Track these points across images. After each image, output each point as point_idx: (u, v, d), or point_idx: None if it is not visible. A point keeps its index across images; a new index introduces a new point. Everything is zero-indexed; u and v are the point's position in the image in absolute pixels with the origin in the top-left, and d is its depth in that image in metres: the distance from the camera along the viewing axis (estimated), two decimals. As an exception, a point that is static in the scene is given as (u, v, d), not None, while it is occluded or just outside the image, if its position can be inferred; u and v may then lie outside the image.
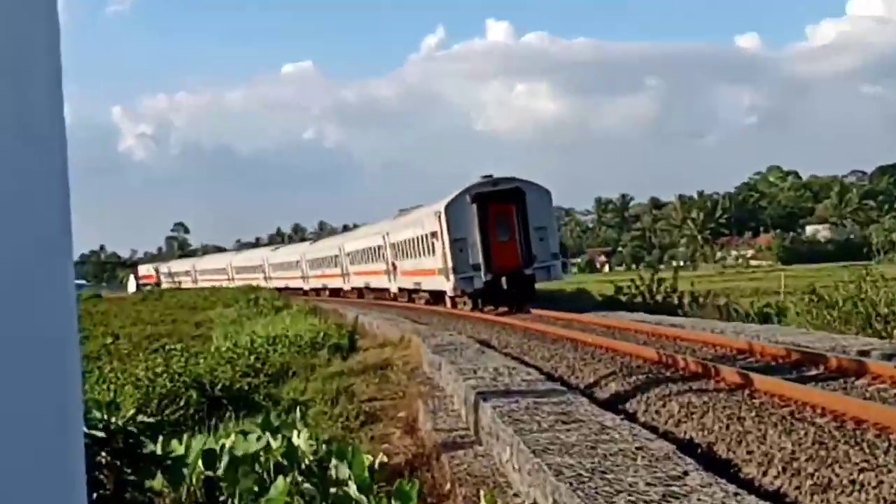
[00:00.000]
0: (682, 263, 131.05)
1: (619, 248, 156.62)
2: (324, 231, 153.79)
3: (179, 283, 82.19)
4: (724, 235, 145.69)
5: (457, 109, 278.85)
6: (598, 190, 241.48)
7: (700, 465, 5.66)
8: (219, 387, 13.23)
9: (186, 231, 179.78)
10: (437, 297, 30.00)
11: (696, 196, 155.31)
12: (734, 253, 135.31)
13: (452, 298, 28.20)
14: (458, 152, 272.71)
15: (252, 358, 17.04)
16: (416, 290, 32.90)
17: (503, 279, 25.80)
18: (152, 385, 12.84)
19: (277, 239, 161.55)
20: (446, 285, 27.56)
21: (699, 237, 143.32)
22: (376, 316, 25.77)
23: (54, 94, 0.59)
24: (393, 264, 35.38)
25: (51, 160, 0.57)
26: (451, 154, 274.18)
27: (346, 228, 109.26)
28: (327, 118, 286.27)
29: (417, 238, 31.03)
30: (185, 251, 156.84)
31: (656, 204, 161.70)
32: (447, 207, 27.23)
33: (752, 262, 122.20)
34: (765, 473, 6.91)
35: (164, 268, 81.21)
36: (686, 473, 5.38)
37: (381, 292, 38.25)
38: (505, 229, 26.68)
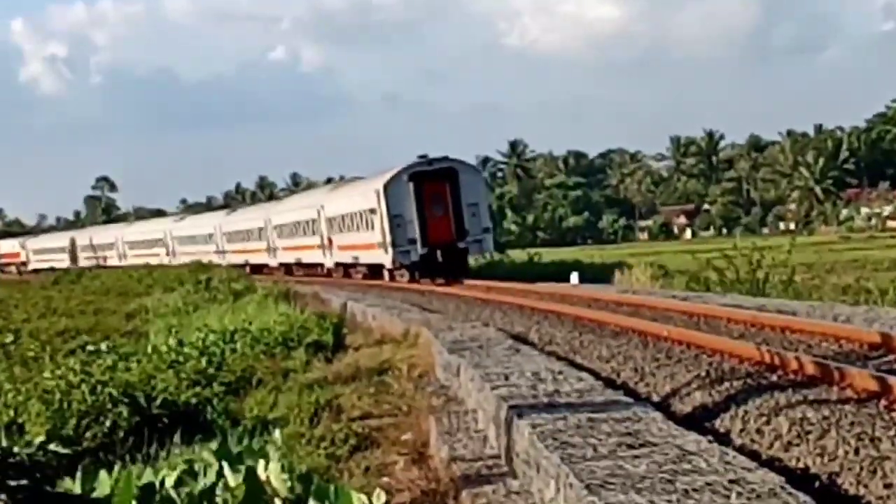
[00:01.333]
0: (793, 226, 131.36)
1: (706, 206, 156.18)
2: (298, 187, 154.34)
3: (105, 258, 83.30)
4: (851, 186, 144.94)
5: (481, 19, 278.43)
6: (675, 127, 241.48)
7: (819, 503, 5.65)
8: (158, 401, 13.30)
9: (113, 188, 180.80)
10: (374, 270, 40.76)
11: (811, 133, 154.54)
12: (865, 211, 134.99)
13: (391, 271, 38.77)
14: (482, 78, 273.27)
15: (203, 361, 17.13)
16: (353, 265, 43.64)
17: (438, 252, 36.51)
18: (67, 399, 12.93)
19: (238, 198, 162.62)
20: (385, 258, 38.27)
21: (816, 189, 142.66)
22: (372, 302, 25.87)
23: None
24: (329, 239, 45.62)
25: None
26: (473, 80, 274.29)
27: (329, 181, 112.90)
28: (304, 33, 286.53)
29: (356, 213, 41.36)
30: (111, 216, 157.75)
31: (756, 145, 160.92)
32: (385, 186, 37.86)
33: (891, 224, 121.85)
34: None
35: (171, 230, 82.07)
36: (798, 516, 5.37)
37: (313, 268, 49.14)
38: (439, 206, 37.37)
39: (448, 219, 37.24)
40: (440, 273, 35.74)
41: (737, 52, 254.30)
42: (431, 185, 37.36)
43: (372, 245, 39.32)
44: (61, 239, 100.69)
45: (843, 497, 7.43)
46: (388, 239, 37.35)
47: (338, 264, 45.67)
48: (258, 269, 57.27)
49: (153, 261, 69.76)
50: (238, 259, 61.20)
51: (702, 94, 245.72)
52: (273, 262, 56.31)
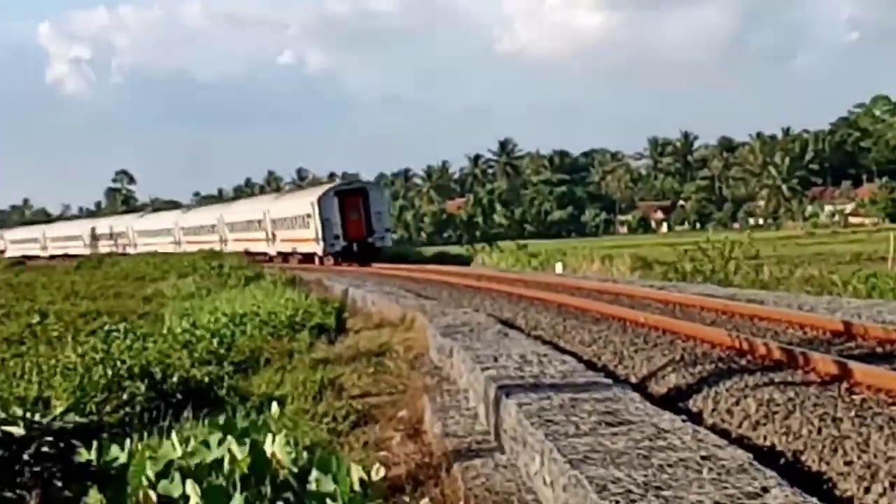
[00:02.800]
0: (761, 221, 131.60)
1: (681, 203, 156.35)
2: (304, 181, 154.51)
3: (123, 246, 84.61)
4: (815, 185, 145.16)
5: (475, 26, 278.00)
6: (654, 128, 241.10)
7: (784, 479, 5.66)
8: (172, 378, 13.27)
9: (132, 181, 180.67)
10: (308, 257, 52.08)
11: (779, 135, 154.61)
12: (828, 208, 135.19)
13: (321, 258, 50.32)
14: (475, 81, 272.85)
15: (214, 342, 17.10)
16: (292, 253, 54.79)
17: (354, 245, 48.67)
18: (89, 376, 12.89)
19: (246, 191, 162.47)
20: (318, 248, 50.47)
21: (783, 188, 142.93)
22: (371, 289, 25.90)
23: None
24: (273, 234, 58.21)
25: None
26: (467, 84, 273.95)
27: (331, 177, 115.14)
28: (310, 38, 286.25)
29: (296, 217, 53.64)
30: (130, 206, 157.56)
31: (728, 146, 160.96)
32: (319, 198, 50.40)
33: (852, 220, 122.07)
34: (867, 490, 6.90)
35: (133, 224, 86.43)
36: (766, 490, 5.38)
37: (259, 255, 58.01)
38: (355, 213, 49.42)
39: (361, 222, 49.41)
40: (356, 259, 46.81)
41: (714, 59, 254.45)
42: (350, 198, 50.14)
43: (308, 239, 51.23)
44: (75, 228, 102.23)
45: (807, 473, 7.44)
46: (320, 235, 49.40)
47: (279, 253, 56.71)
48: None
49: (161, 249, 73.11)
50: (193, 248, 68.01)
51: (680, 98, 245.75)
52: (227, 249, 64.48)
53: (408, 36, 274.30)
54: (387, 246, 51.34)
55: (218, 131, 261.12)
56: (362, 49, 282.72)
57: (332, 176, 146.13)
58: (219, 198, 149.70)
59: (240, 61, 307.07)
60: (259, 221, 60.66)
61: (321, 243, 49.65)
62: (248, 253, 58.52)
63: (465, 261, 48.43)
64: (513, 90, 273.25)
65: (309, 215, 50.91)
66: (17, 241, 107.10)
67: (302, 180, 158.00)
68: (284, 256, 55.68)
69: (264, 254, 58.45)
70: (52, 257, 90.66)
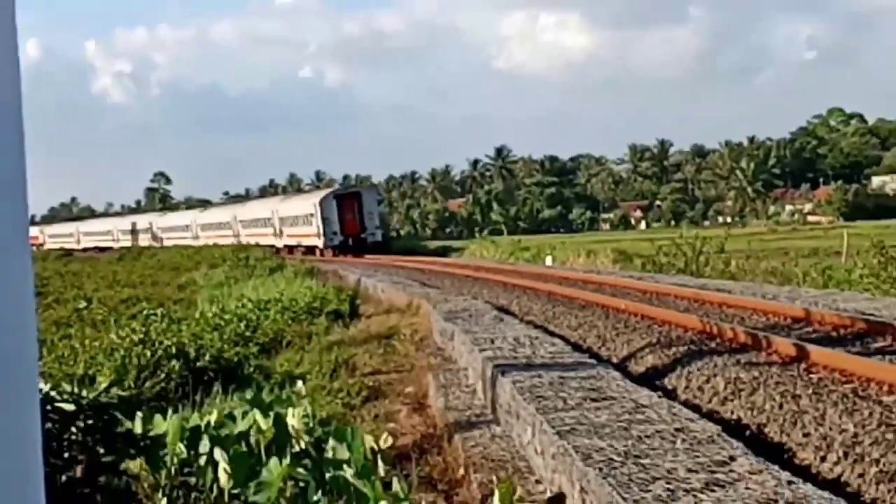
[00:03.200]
0: (729, 220, 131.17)
1: (657, 203, 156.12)
2: (321, 181, 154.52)
3: (148, 240, 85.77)
4: (777, 188, 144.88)
5: (474, 45, 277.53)
6: (633, 136, 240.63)
7: (749, 449, 5.65)
8: (204, 357, 13.30)
9: (168, 182, 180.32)
10: (310, 250, 54.77)
11: (745, 143, 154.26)
12: (789, 208, 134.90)
13: (321, 250, 53.10)
14: (475, 94, 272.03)
15: (241, 325, 17.14)
16: (297, 246, 57.48)
17: (350, 239, 52.23)
18: (129, 355, 12.91)
19: (270, 190, 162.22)
20: (318, 242, 53.98)
21: (749, 190, 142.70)
22: (381, 279, 25.87)
23: (3, 18, 0.57)
24: (280, 230, 61.64)
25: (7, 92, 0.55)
26: (467, 96, 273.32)
27: (346, 179, 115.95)
28: (327, 55, 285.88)
29: (300, 215, 57.67)
30: (166, 204, 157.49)
31: (700, 152, 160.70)
32: (321, 200, 54.55)
33: (811, 219, 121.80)
34: (823, 459, 6.90)
35: (155, 221, 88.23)
36: (733, 458, 5.38)
37: (268, 247, 58.69)
38: (351, 213, 53.19)
39: (355, 220, 53.05)
40: (351, 251, 50.20)
41: (685, 74, 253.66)
42: (346, 201, 54.00)
43: (311, 235, 55.22)
44: (105, 224, 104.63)
45: (769, 443, 7.44)
46: (321, 231, 53.21)
47: (286, 245, 59.26)
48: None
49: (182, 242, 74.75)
50: (213, 241, 69.56)
51: (657, 109, 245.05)
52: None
53: (415, 53, 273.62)
54: (377, 241, 53.81)
55: (245, 138, 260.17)
56: (374, 65, 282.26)
57: (346, 178, 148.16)
58: (245, 196, 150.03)
59: (264, 75, 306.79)
60: (268, 219, 64.14)
61: (322, 238, 53.18)
62: (258, 246, 60.46)
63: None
64: (508, 102, 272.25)
65: (312, 214, 54.91)
66: (55, 236, 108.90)
67: (320, 181, 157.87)
68: (290, 249, 57.90)
69: (272, 246, 59.87)
70: (85, 249, 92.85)
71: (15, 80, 0.58)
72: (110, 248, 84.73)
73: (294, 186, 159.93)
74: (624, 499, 4.70)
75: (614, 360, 11.30)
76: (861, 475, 6.46)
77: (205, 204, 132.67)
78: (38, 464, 0.64)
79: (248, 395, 7.66)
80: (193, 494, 5.97)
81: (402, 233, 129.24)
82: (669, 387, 9.56)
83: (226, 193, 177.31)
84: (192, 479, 6.08)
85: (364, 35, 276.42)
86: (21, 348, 0.60)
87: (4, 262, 0.57)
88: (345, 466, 5.77)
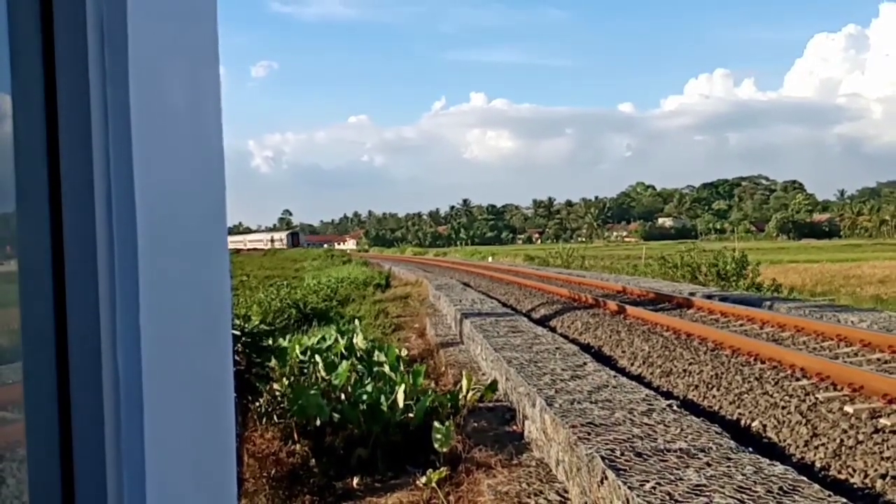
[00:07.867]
0: (583, 239, 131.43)
1: (547, 230, 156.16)
2: (371, 217, 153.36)
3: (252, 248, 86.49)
4: (609, 223, 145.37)
5: (453, 145, 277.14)
6: (535, 194, 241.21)
7: (594, 359, 5.67)
8: (309, 307, 13.22)
9: (290, 214, 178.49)
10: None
11: (593, 199, 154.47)
12: (615, 234, 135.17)
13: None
14: (452, 171, 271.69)
15: (328, 290, 17.03)
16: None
17: None
18: (269, 305, 12.83)
19: (345, 220, 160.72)
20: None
21: (594, 224, 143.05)
22: (402, 268, 25.73)
23: (217, 126, 0.59)
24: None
25: (218, 162, 0.57)
26: (448, 172, 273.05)
27: (384, 216, 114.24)
28: (376, 149, 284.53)
29: (281, 238, 56.18)
30: (289, 226, 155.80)
31: (570, 203, 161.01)
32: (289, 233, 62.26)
33: (626, 239, 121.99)
34: (632, 364, 6.92)
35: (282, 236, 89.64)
36: (585, 364, 5.39)
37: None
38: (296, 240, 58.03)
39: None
40: None
41: (563, 163, 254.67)
42: (294, 236, 57.09)
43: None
44: (259, 236, 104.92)
45: (604, 356, 7.45)
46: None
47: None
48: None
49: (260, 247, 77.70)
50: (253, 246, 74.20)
51: (548, 180, 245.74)
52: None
53: (421, 149, 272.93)
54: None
55: (329, 192, 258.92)
56: (400, 154, 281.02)
57: (384, 216, 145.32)
58: (330, 223, 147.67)
59: (342, 160, 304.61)
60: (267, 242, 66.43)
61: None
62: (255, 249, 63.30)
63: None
64: (470, 177, 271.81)
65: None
66: (232, 243, 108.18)
67: (370, 216, 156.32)
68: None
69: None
70: (249, 250, 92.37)
71: (220, 156, 0.58)
72: (261, 250, 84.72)
73: (356, 218, 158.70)
74: (529, 383, 4.70)
75: (524, 311, 11.30)
76: (651, 373, 6.48)
77: (311, 226, 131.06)
78: (230, 363, 0.65)
79: (332, 326, 7.61)
80: (303, 378, 5.92)
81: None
82: (552, 325, 9.55)
83: (321, 221, 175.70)
84: (303, 371, 6.03)
85: (395, 138, 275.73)
86: (222, 301, 0.60)
87: (215, 253, 0.57)
88: (384, 365, 5.75)
